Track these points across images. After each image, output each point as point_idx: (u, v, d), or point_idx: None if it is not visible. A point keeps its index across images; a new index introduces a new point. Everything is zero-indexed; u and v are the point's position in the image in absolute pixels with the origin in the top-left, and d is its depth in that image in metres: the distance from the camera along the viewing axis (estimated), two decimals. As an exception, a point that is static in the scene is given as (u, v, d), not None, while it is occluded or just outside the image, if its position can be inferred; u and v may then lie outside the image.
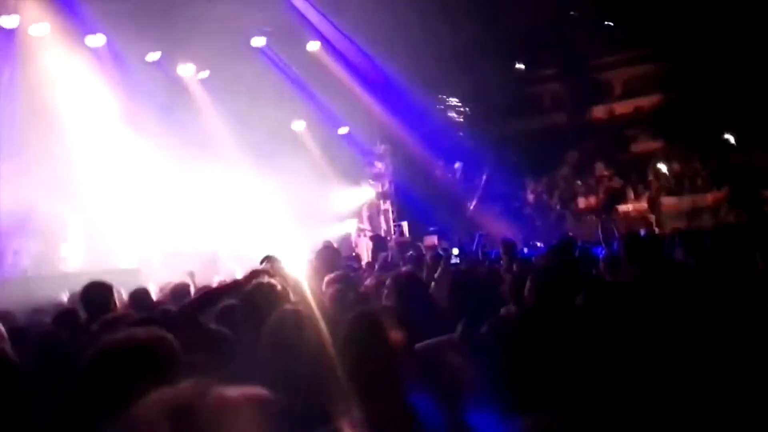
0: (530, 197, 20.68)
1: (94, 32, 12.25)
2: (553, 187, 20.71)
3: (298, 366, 2.33)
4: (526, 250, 11.48)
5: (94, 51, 12.49)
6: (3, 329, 3.68)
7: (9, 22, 10.70)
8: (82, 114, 12.90)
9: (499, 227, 15.99)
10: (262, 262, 3.77)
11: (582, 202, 19.62)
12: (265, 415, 1.38)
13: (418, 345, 2.71)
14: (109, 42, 12.49)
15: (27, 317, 5.01)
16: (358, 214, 16.39)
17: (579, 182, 20.21)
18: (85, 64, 12.41)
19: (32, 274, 10.44)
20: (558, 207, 19.85)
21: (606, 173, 19.87)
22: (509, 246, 7.70)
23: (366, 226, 16.21)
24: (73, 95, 12.50)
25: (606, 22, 20.44)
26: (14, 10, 10.14)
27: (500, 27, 19.58)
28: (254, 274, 3.59)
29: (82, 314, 4.27)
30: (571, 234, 11.86)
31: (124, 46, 12.53)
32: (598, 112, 21.74)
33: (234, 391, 1.32)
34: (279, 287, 3.30)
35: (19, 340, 3.66)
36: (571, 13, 18.80)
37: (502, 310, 3.65)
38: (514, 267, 5.93)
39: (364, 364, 1.96)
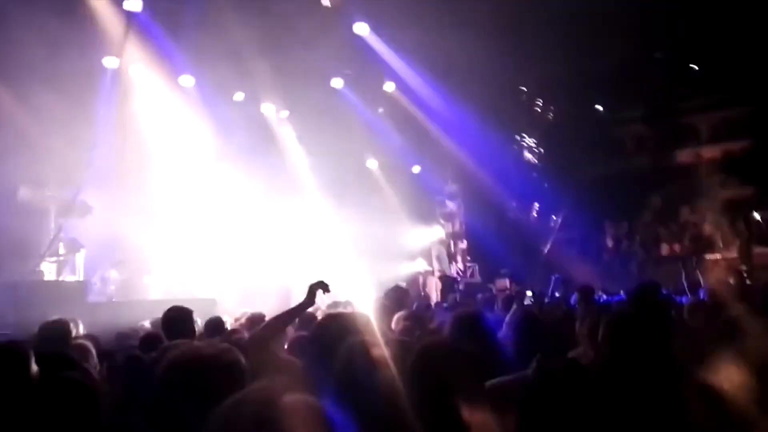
0: (609, 242, 20.00)
1: (184, 72, 13.04)
2: (634, 232, 19.98)
3: (368, 397, 2.34)
4: (604, 296, 11.06)
5: (185, 90, 13.29)
6: (92, 348, 3.89)
7: (110, 62, 11.55)
8: (172, 150, 13.70)
9: (575, 272, 15.51)
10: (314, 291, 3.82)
11: (665, 249, 18.78)
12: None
13: (490, 382, 2.67)
14: (198, 82, 13.25)
15: (112, 341, 5.27)
16: (427, 254, 16.34)
17: (662, 228, 19.39)
18: (176, 103, 13.22)
19: (117, 299, 11.00)
20: (639, 253, 19.09)
21: (692, 219, 18.98)
22: (586, 292, 7.45)
23: (435, 266, 16.11)
24: (165, 132, 13.32)
25: (691, 65, 19.85)
26: (116, 53, 10.95)
27: (581, 67, 19.38)
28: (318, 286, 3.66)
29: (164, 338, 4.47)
30: (653, 280, 11.35)
31: (213, 86, 13.26)
32: (684, 156, 20.94)
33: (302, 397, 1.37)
34: (350, 320, 3.34)
35: (108, 361, 3.86)
36: (656, 54, 18.35)
37: (572, 353, 3.52)
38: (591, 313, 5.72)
39: (429, 395, 1.96)
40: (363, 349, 2.54)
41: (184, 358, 1.58)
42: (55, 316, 4.85)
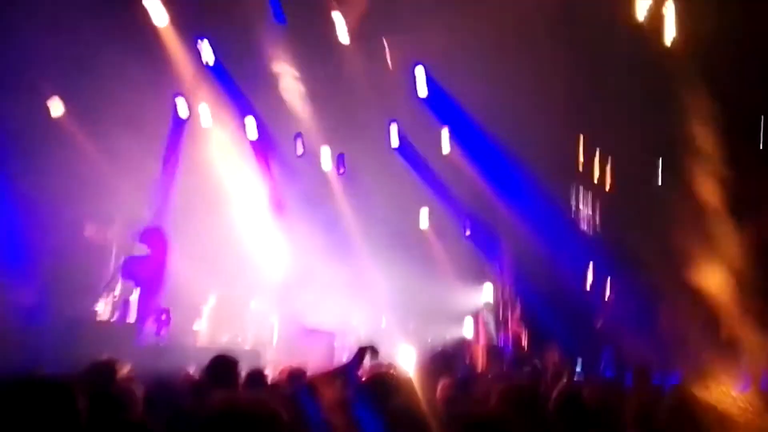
0: (666, 319, 19.19)
1: (248, 120, 13.45)
2: (693, 309, 19.13)
3: None
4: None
5: (252, 143, 13.73)
6: (136, 391, 3.93)
7: (181, 104, 12.08)
8: (231, 197, 14.10)
9: (629, 348, 14.87)
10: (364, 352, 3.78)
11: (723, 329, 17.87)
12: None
13: None
14: (262, 133, 13.66)
15: (156, 384, 5.31)
16: (475, 318, 15.98)
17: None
18: (241, 153, 13.66)
19: (166, 343, 11.14)
20: (696, 332, 18.21)
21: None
22: (642, 370, 7.15)
23: (482, 332, 15.69)
24: (229, 181, 13.74)
25: (759, 137, 19.31)
26: (186, 95, 11.44)
27: (641, 134, 19.11)
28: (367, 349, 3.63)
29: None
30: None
31: (276, 138, 13.66)
32: (747, 228, 20.13)
33: None
34: (396, 382, 3.30)
35: (149, 406, 3.88)
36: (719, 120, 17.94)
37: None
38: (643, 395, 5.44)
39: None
40: (410, 412, 2.51)
41: (226, 407, 1.58)
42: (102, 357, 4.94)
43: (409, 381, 5.35)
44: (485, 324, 15.04)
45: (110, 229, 12.32)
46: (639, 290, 18.26)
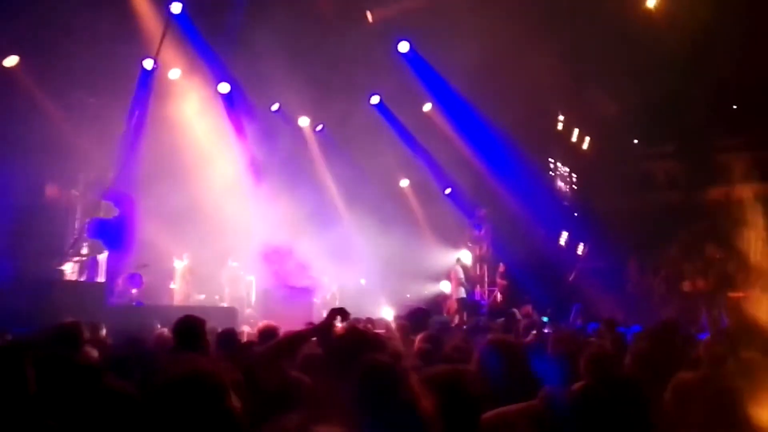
0: (634, 275, 19.67)
1: (222, 79, 13.12)
2: (660, 266, 19.63)
3: (388, 415, 2.28)
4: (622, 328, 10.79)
5: (222, 97, 13.37)
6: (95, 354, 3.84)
7: (148, 64, 11.65)
8: (205, 156, 13.81)
9: (597, 302, 15.25)
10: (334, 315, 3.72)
11: (689, 285, 18.41)
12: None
13: (493, 412, 2.61)
14: (235, 90, 13.31)
15: (128, 345, 5.25)
16: (451, 275, 16.16)
17: (687, 263, 19.02)
18: (212, 109, 13.30)
19: (139, 303, 11.03)
20: (662, 287, 18.73)
21: (718, 256, 18.61)
22: (608, 321, 7.37)
23: (453, 287, 15.84)
24: (200, 137, 13.43)
25: (732, 105, 19.60)
26: (154, 55, 11.05)
27: (620, 99, 19.22)
28: (337, 312, 3.61)
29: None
30: (674, 317, 11.10)
31: (250, 95, 13.33)
32: (715, 193, 20.61)
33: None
34: (368, 338, 3.26)
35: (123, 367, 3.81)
36: (696, 91, 18.13)
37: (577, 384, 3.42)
38: (612, 344, 5.60)
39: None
40: (383, 366, 2.48)
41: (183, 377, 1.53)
42: (71, 317, 4.83)
43: (382, 336, 5.40)
44: (458, 278, 15.17)
45: (73, 190, 12.01)
46: (610, 248, 18.67)
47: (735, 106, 20.04)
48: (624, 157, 20.45)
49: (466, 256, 16.89)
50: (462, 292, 14.90)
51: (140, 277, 11.30)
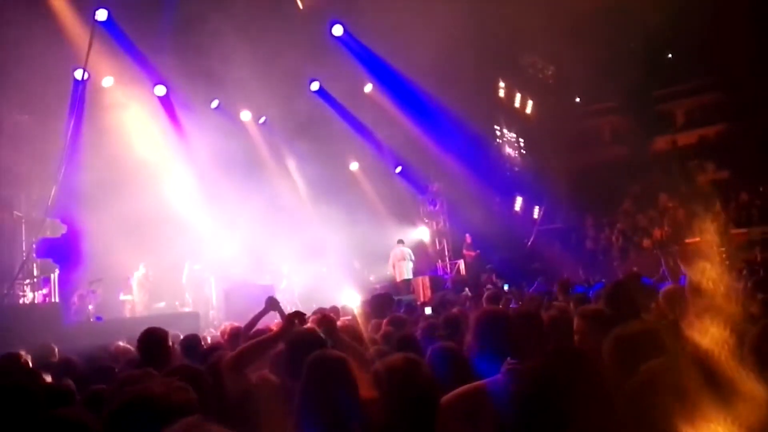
0: (591, 232, 20.14)
1: (157, 82, 12.84)
2: (615, 220, 20.14)
3: (338, 408, 2.33)
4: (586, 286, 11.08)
5: (159, 100, 13.06)
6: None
7: (79, 75, 11.30)
8: (149, 162, 13.50)
9: (558, 263, 15.58)
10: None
11: (646, 236, 18.95)
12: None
13: (460, 389, 2.65)
14: (172, 92, 13.04)
15: (87, 362, 5.14)
16: (391, 260, 16.18)
17: (641, 215, 19.57)
18: (150, 113, 12.99)
19: (96, 319, 10.81)
20: (620, 241, 19.23)
21: (670, 205, 19.18)
22: (564, 284, 7.51)
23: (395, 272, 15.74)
24: (142, 143, 13.11)
25: (667, 55, 20.09)
26: (83, 64, 10.72)
27: (558, 59, 19.49)
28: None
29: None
30: (634, 269, 11.41)
31: (188, 95, 13.06)
32: (661, 143, 21.20)
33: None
34: (317, 335, 3.29)
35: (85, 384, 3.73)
36: (631, 45, 18.51)
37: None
38: (571, 305, 5.70)
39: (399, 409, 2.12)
40: (324, 362, 2.51)
41: (132, 402, 1.51)
42: (30, 340, 4.69)
43: (345, 324, 5.44)
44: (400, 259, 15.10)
45: (16, 211, 11.59)
46: (565, 209, 19.07)
47: (670, 56, 20.57)
48: (568, 117, 20.82)
49: (423, 233, 17.01)
50: (409, 271, 14.85)
51: (95, 292, 11.05)
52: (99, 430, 1.98)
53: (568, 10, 14.13)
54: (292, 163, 14.94)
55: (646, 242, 18.83)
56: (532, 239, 19.03)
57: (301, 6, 13.14)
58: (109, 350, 5.75)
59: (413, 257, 14.90)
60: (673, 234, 17.64)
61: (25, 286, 10.96)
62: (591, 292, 6.73)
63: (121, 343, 5.70)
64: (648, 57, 18.96)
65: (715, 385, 1.79)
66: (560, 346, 2.79)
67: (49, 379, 3.89)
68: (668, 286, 6.27)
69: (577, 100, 21.88)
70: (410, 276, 14.60)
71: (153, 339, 4.17)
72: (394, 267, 14.75)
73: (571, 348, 2.91)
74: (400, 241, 15.16)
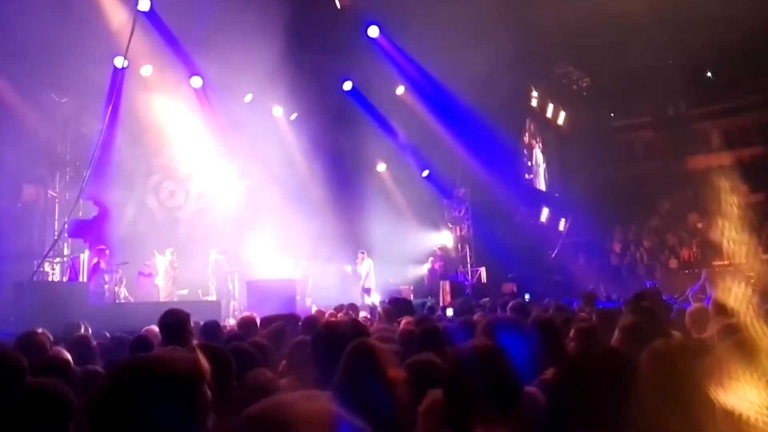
0: (617, 248, 19.89)
1: (194, 73, 13.04)
2: (642, 237, 19.85)
3: (372, 397, 2.37)
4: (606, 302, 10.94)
5: (195, 91, 13.27)
6: (68, 357, 3.83)
7: (119, 62, 11.54)
8: (182, 150, 13.74)
9: (580, 277, 15.42)
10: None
11: (673, 255, 18.65)
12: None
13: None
14: (208, 84, 13.23)
15: (113, 343, 5.25)
16: (433, 257, 16.24)
17: (670, 234, 19.26)
18: (186, 103, 13.20)
19: (121, 301, 11.01)
20: (646, 259, 18.96)
21: (700, 226, 18.84)
22: (589, 297, 7.43)
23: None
24: (176, 132, 13.34)
25: (706, 74, 19.75)
26: (124, 53, 10.92)
27: (594, 72, 19.29)
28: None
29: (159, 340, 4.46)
30: (657, 286, 11.25)
31: (223, 88, 13.23)
32: (694, 162, 20.81)
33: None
34: (353, 325, 3.34)
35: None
36: (669, 61, 18.21)
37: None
38: (594, 317, 5.66)
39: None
40: (368, 349, 2.55)
41: (130, 366, 1.51)
42: (55, 318, 4.81)
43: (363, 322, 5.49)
44: (444, 262, 15.21)
45: (50, 190, 11.88)
46: (592, 222, 18.83)
47: (709, 74, 20.22)
48: (600, 129, 20.57)
49: (446, 237, 16.97)
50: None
51: (121, 274, 11.25)
52: (64, 398, 2.06)
53: (607, 21, 13.98)
54: (319, 161, 15.03)
55: (672, 262, 18.53)
56: (556, 251, 18.84)
57: (339, 5, 13.23)
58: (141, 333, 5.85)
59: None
60: (702, 255, 17.33)
61: (54, 265, 11.23)
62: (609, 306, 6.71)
63: (154, 328, 5.79)
64: (686, 74, 18.64)
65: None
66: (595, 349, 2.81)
67: (65, 355, 3.96)
68: (695, 305, 6.21)
69: (612, 114, 21.62)
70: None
71: (175, 320, 4.24)
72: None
73: (609, 348, 2.90)
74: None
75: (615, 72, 17.11)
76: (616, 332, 3.62)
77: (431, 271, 15.86)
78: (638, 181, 20.52)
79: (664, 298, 7.28)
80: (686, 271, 17.11)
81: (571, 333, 3.99)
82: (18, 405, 2.01)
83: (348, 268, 14.56)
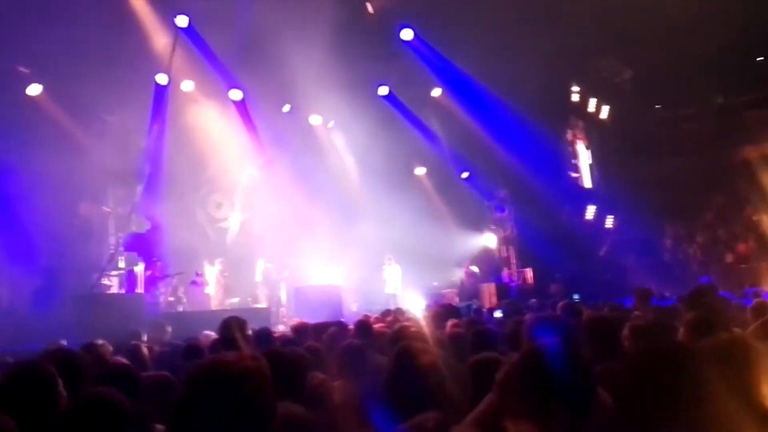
0: (668, 244, 19.37)
1: (233, 86, 13.33)
2: (695, 232, 19.28)
3: (416, 399, 2.47)
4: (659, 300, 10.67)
5: (235, 103, 13.58)
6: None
7: (161, 79, 11.90)
8: (225, 162, 14.06)
9: (631, 275, 15.05)
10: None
11: (729, 250, 18.05)
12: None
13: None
14: (247, 95, 13.51)
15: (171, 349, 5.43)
16: (476, 260, 16.11)
17: (723, 229, 18.65)
18: (227, 115, 13.52)
19: (177, 310, 11.33)
20: (699, 255, 18.40)
21: (756, 219, 18.17)
22: (643, 294, 7.25)
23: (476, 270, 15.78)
24: (218, 144, 13.68)
25: (756, 58, 19.04)
26: (166, 69, 11.27)
27: (638, 64, 18.86)
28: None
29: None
30: (713, 282, 10.91)
31: (262, 99, 13.50)
32: (748, 152, 20.06)
33: None
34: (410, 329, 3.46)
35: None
36: (716, 46, 17.61)
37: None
38: (650, 315, 5.55)
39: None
40: (411, 353, 2.61)
41: (206, 368, 1.58)
42: (114, 328, 4.97)
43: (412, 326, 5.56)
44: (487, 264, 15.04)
45: (104, 206, 12.33)
46: (641, 219, 18.37)
47: (760, 59, 19.46)
48: (646, 123, 20.05)
49: (490, 239, 16.84)
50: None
51: (176, 284, 11.58)
52: (121, 406, 2.17)
53: (648, 10, 13.64)
54: (358, 167, 15.14)
55: (728, 257, 17.94)
56: (605, 249, 18.45)
57: (371, 11, 13.32)
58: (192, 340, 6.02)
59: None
60: (759, 249, 16.74)
61: (111, 278, 11.64)
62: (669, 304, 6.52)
63: (212, 334, 5.96)
64: (735, 60, 18.00)
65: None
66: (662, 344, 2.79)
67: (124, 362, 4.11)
68: (756, 300, 6.02)
69: (658, 106, 21.03)
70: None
71: (234, 325, 4.36)
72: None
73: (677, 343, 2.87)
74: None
75: (659, 62, 16.67)
76: (681, 328, 3.57)
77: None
78: (687, 174, 19.85)
79: (721, 294, 7.05)
80: (743, 266, 16.51)
81: (625, 331, 3.94)
82: (78, 413, 2.12)
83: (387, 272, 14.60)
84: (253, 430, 1.54)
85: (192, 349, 4.73)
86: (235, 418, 1.51)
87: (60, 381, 2.52)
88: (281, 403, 2.00)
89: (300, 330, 5.89)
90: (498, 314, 8.61)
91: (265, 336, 5.42)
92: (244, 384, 1.53)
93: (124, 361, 3.93)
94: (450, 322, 5.42)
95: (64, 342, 5.71)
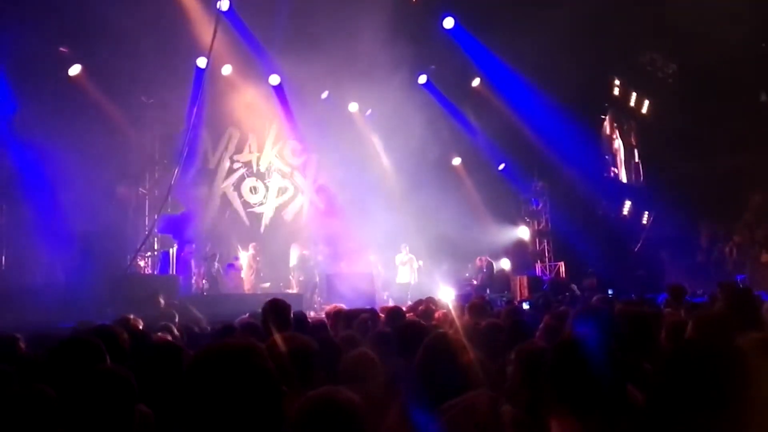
0: (704, 242, 18.96)
1: (272, 71, 13.37)
2: (732, 232, 18.83)
3: (447, 383, 2.53)
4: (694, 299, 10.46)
5: (274, 88, 13.63)
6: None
7: (201, 63, 11.98)
8: (262, 146, 14.16)
9: (664, 272, 14.80)
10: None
11: (764, 249, 17.59)
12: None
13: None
14: (285, 81, 13.54)
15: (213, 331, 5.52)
16: (510, 252, 16.01)
17: (761, 229, 18.17)
18: (265, 101, 13.59)
19: (210, 292, 11.50)
20: (735, 254, 17.98)
21: (795, 220, 17.68)
22: (677, 291, 7.09)
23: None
24: (254, 128, 13.76)
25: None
26: (207, 52, 11.33)
27: (681, 60, 18.43)
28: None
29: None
30: (746, 281, 10.66)
31: (301, 85, 13.52)
32: (790, 150, 19.47)
33: None
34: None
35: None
36: (762, 44, 17.12)
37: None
38: (682, 313, 5.44)
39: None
40: (444, 339, 2.65)
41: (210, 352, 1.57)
42: (148, 308, 5.05)
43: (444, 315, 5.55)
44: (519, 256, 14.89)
45: (141, 188, 12.53)
46: (677, 216, 18.01)
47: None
48: (687, 119, 19.59)
49: (524, 232, 16.69)
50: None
51: (209, 267, 11.74)
52: (126, 383, 2.20)
53: (694, 2, 13.28)
54: (394, 155, 15.11)
55: (764, 257, 17.51)
56: (639, 245, 18.15)
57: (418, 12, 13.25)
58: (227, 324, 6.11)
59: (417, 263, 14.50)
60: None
61: (146, 259, 11.86)
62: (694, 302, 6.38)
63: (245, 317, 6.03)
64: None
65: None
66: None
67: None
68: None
69: (699, 102, 20.52)
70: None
71: (279, 308, 4.40)
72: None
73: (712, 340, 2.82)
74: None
75: (703, 57, 16.21)
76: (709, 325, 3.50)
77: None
78: (728, 172, 19.36)
79: (755, 292, 6.86)
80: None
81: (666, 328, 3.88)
82: (88, 387, 2.17)
83: (420, 262, 14.58)
84: (257, 413, 1.52)
85: (227, 330, 4.80)
86: (237, 400, 1.50)
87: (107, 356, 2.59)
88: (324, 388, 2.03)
89: (334, 315, 5.92)
90: (525, 306, 8.54)
91: (300, 320, 5.46)
92: (243, 368, 1.52)
93: (168, 336, 4.01)
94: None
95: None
